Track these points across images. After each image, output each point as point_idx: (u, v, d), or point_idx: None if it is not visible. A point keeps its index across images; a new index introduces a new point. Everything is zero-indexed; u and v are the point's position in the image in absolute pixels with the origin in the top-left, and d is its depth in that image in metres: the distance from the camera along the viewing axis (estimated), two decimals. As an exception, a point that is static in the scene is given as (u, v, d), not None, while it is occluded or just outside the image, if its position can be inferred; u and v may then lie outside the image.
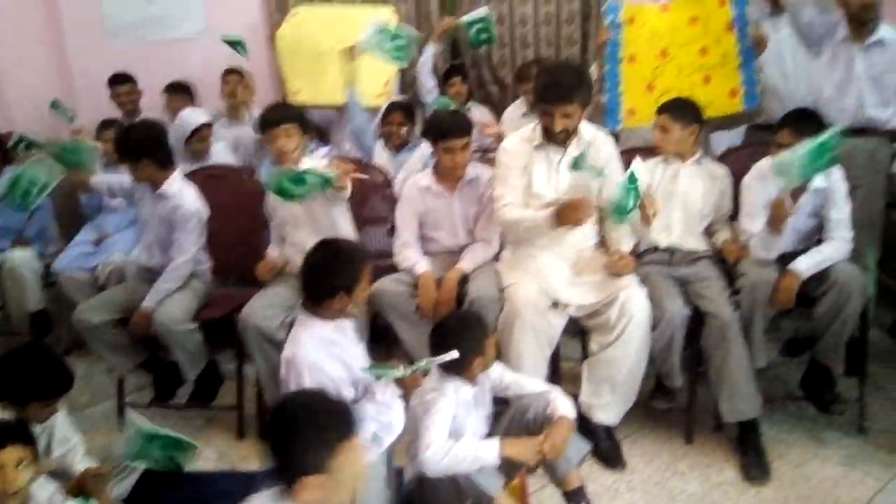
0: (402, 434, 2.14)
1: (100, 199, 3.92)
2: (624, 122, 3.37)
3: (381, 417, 2.07)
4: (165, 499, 2.51)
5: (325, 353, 2.14)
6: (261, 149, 3.95)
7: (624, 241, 2.86)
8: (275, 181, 2.61)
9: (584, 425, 2.57)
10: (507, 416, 2.30)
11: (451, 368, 2.16)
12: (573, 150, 2.77)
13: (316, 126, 4.12)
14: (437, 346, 2.11)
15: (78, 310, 2.98)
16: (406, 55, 3.67)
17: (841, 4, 3.08)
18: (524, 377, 2.40)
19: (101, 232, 3.82)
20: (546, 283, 2.74)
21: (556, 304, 2.74)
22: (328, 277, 2.16)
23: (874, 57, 3.08)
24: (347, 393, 2.13)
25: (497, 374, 2.33)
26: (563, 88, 2.68)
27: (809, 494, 2.52)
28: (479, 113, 4.30)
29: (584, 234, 2.88)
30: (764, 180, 2.82)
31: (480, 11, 4.20)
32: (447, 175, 3.01)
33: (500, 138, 3.36)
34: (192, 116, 3.82)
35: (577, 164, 2.64)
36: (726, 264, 2.89)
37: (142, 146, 2.96)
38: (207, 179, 3.38)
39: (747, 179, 2.92)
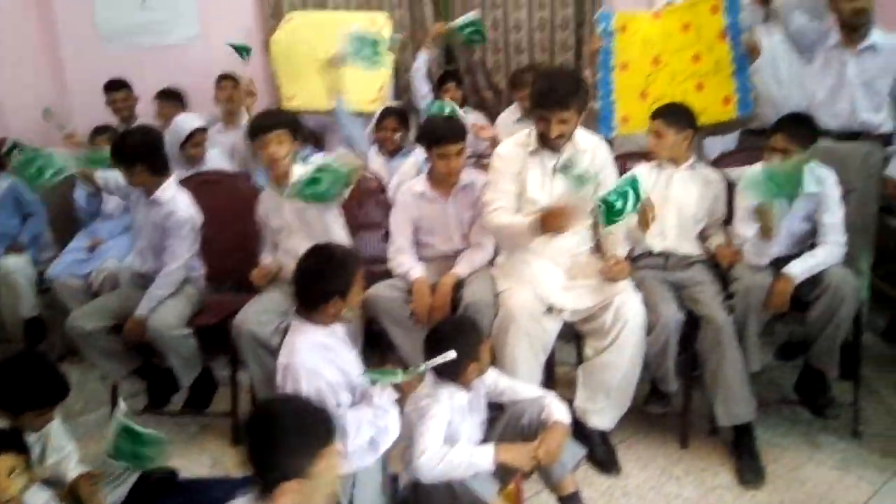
0: (397, 440, 2.14)
1: (96, 203, 3.92)
2: (618, 130, 3.39)
3: (379, 422, 2.07)
4: (160, 506, 2.50)
5: (322, 359, 2.14)
6: (256, 155, 3.93)
7: (619, 245, 2.87)
8: (296, 191, 2.65)
9: (579, 430, 2.57)
10: (501, 421, 2.30)
11: (445, 374, 2.16)
12: (565, 155, 2.77)
13: (310, 131, 4.13)
14: (432, 352, 2.11)
15: (71, 317, 2.97)
16: (385, 60, 3.62)
17: (833, 10, 3.10)
18: (519, 382, 2.40)
19: (94, 238, 3.81)
20: (541, 288, 2.74)
21: (550, 309, 2.74)
22: (321, 283, 2.16)
23: (866, 62, 3.10)
24: (345, 398, 2.13)
25: (492, 379, 2.33)
26: (560, 94, 2.68)
27: (804, 498, 2.52)
28: (473, 118, 4.31)
29: (579, 239, 2.88)
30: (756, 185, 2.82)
31: (470, 15, 4.21)
32: (441, 181, 3.01)
33: (494, 142, 3.36)
34: (187, 121, 3.81)
35: (564, 170, 2.63)
36: (720, 269, 2.90)
37: (137, 152, 2.96)
38: (202, 185, 3.39)
39: (741, 184, 2.93)
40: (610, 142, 3.17)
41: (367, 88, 3.96)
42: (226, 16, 4.75)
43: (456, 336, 2.16)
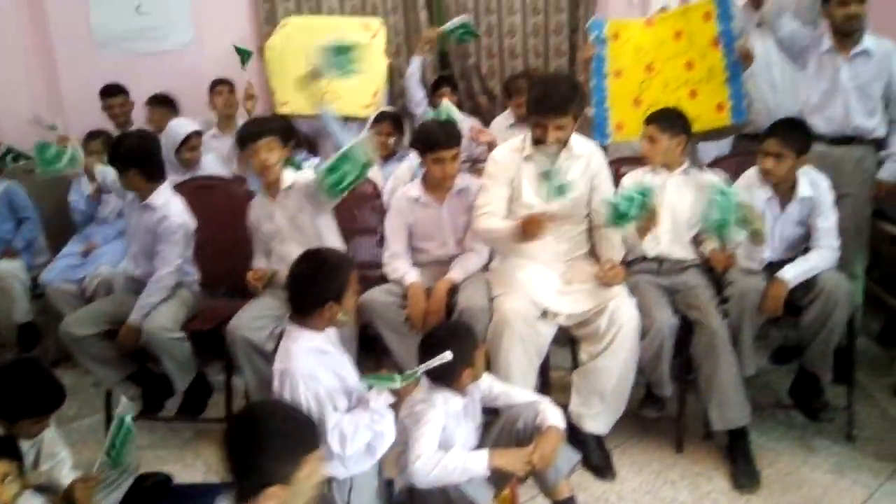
0: (392, 445, 2.13)
1: (93, 206, 3.91)
2: (612, 137, 3.39)
3: (375, 426, 2.07)
4: (154, 511, 2.50)
5: (318, 364, 2.13)
6: (247, 163, 3.92)
7: (615, 250, 2.87)
8: (322, 186, 2.64)
9: (574, 435, 2.58)
10: (496, 426, 2.30)
11: (440, 379, 2.16)
12: (546, 161, 2.65)
13: (304, 136, 4.13)
14: (427, 357, 2.10)
15: (64, 322, 2.97)
16: (361, 66, 3.55)
17: (826, 16, 3.12)
18: (513, 387, 2.40)
19: (89, 243, 3.81)
20: (535, 292, 2.74)
21: (545, 314, 2.74)
22: (315, 288, 2.15)
23: (859, 67, 3.12)
24: (341, 402, 2.13)
25: (486, 384, 2.33)
26: (556, 101, 2.68)
27: (799, 502, 2.53)
28: (468, 124, 4.31)
29: (573, 244, 2.89)
30: (750, 190, 2.84)
31: (458, 19, 4.21)
32: (436, 186, 3.02)
33: (492, 146, 3.36)
34: (182, 125, 3.81)
35: (547, 176, 2.60)
36: (714, 273, 2.90)
37: (132, 156, 2.96)
38: (197, 190, 3.39)
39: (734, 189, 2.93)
40: (604, 147, 3.18)
41: (362, 94, 3.96)
42: (221, 22, 4.75)
43: (451, 341, 2.15)
